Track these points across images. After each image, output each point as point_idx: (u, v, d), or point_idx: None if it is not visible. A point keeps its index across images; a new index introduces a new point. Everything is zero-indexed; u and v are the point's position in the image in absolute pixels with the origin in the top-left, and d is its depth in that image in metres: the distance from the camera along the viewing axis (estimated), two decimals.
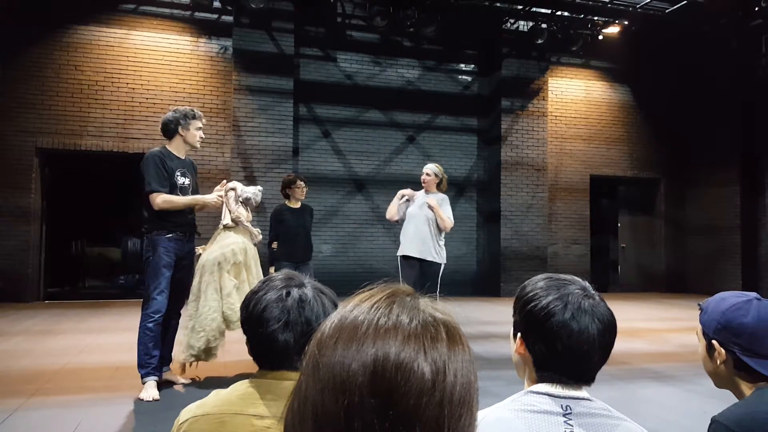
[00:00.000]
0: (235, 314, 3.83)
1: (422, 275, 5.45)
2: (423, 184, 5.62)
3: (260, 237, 4.33)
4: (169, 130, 4.00)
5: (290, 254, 5.57)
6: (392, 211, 5.52)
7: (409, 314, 0.54)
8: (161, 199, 3.80)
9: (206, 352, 3.98)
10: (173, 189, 3.89)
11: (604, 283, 12.39)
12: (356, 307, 0.56)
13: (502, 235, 10.76)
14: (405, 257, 5.49)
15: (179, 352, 4.04)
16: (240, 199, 4.25)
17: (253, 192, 4.34)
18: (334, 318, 0.56)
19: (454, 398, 0.52)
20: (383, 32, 10.55)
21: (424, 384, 0.50)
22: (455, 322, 0.57)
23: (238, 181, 9.52)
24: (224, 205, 4.20)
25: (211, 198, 4.06)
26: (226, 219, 4.19)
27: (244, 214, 4.25)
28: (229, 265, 3.98)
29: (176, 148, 4.02)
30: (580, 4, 10.62)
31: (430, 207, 5.35)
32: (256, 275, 4.17)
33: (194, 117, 4.03)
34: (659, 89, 12.13)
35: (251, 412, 1.15)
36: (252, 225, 4.37)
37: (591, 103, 11.93)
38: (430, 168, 5.63)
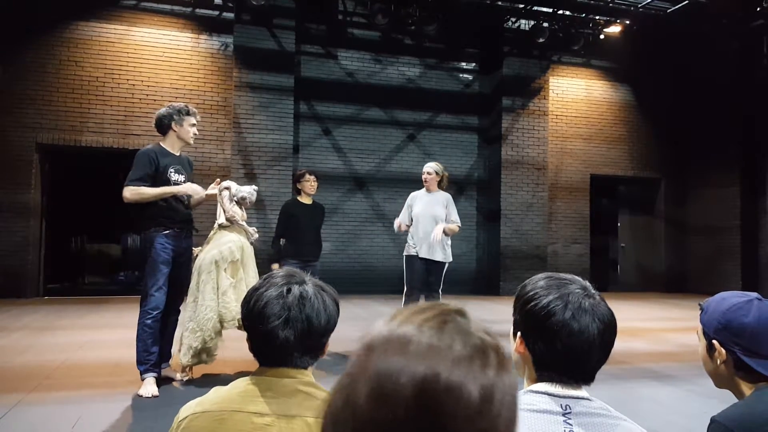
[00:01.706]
0: (230, 313, 3.82)
1: (428, 273, 5.51)
2: (424, 183, 5.64)
3: (256, 236, 4.30)
4: (163, 125, 4.00)
5: (298, 252, 5.33)
6: (397, 225, 5.58)
7: (460, 336, 0.54)
8: (129, 191, 3.79)
9: (205, 353, 3.95)
10: (166, 185, 3.88)
11: (604, 283, 12.40)
12: (405, 323, 0.55)
13: (502, 234, 10.76)
14: (412, 256, 5.52)
15: (180, 354, 3.99)
16: (235, 198, 4.22)
17: (248, 191, 4.30)
18: (381, 330, 0.56)
19: (499, 424, 0.52)
20: (384, 30, 10.54)
21: (471, 408, 0.50)
22: (502, 346, 0.57)
23: (239, 178, 9.55)
24: (219, 205, 4.18)
25: (182, 188, 3.91)
26: (221, 218, 4.16)
27: (239, 213, 4.22)
28: (226, 263, 3.95)
29: (170, 144, 4.02)
30: (582, 3, 10.61)
31: (444, 231, 5.42)
32: (253, 274, 4.14)
33: (188, 113, 4.01)
34: (660, 89, 12.12)
35: (251, 409, 1.16)
36: (248, 224, 4.36)
37: (592, 103, 11.93)
38: (431, 167, 5.65)
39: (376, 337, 0.55)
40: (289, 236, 5.43)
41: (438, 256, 5.46)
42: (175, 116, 3.98)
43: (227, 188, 4.22)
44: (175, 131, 3.99)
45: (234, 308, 3.82)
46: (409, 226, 5.63)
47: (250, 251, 4.20)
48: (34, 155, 8.96)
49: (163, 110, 4.02)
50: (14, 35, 8.89)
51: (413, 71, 10.97)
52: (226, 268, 3.94)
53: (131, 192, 3.80)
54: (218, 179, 4.36)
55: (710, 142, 11.67)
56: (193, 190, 3.98)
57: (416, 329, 0.54)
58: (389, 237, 10.44)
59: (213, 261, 3.91)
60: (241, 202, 4.26)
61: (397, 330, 0.54)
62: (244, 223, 4.23)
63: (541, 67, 11.22)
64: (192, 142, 4.10)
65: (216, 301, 3.87)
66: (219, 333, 3.94)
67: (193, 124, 4.05)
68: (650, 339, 6.31)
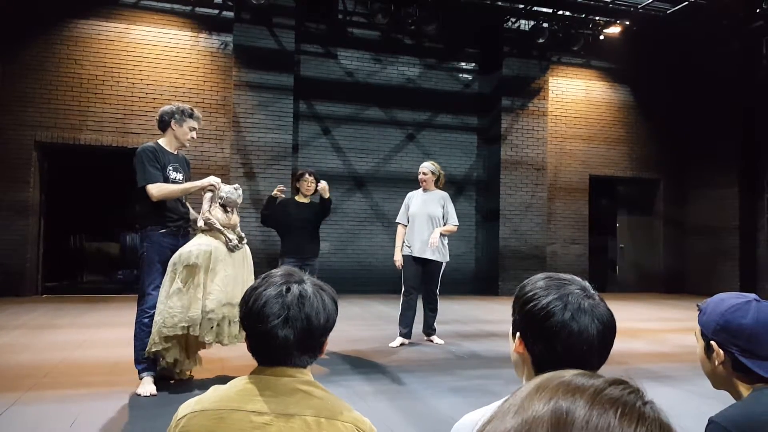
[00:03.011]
0: (172, 319, 3.57)
1: (424, 273, 5.56)
2: (422, 184, 5.66)
3: (237, 243, 3.93)
4: (164, 122, 3.99)
5: (295, 249, 5.33)
6: (398, 263, 5.68)
7: (658, 428, 0.55)
8: (156, 189, 3.76)
9: (161, 353, 3.70)
10: (165, 183, 3.87)
11: (603, 283, 12.39)
12: (597, 406, 0.54)
13: (501, 234, 10.76)
14: (408, 256, 5.56)
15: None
16: (220, 200, 3.98)
17: (227, 190, 4.00)
18: (571, 407, 0.54)
19: None
20: (384, 29, 10.54)
21: None
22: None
23: (238, 177, 9.51)
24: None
25: (202, 181, 3.95)
26: (200, 221, 3.93)
27: (220, 217, 3.94)
28: (181, 266, 3.68)
29: (168, 142, 4.01)
30: (582, 3, 10.61)
31: (442, 233, 5.48)
32: (221, 281, 3.76)
33: (191, 116, 3.99)
34: (660, 90, 12.13)
35: (250, 408, 1.16)
36: (245, 224, 4.14)
37: (591, 103, 11.93)
38: (426, 166, 5.66)
39: (571, 418, 0.53)
40: (286, 235, 5.46)
41: (433, 256, 5.48)
42: (176, 115, 3.97)
43: (211, 190, 3.95)
44: (173, 130, 3.99)
45: (178, 314, 3.58)
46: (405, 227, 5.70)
47: (225, 257, 3.84)
48: (33, 153, 8.95)
49: (167, 107, 4.02)
50: (13, 33, 8.87)
51: (413, 71, 10.97)
52: (180, 271, 3.67)
53: (158, 189, 3.75)
54: (212, 178, 4.02)
55: (709, 142, 11.68)
56: (214, 181, 3.99)
57: (617, 421, 0.53)
58: (388, 237, 10.43)
59: (172, 263, 3.72)
60: (225, 204, 4.00)
61: (593, 415, 0.53)
62: (222, 228, 3.90)
63: (540, 68, 11.22)
64: (188, 144, 4.08)
65: (164, 303, 3.64)
66: (165, 340, 3.62)
67: (193, 128, 4.02)
68: (649, 339, 6.31)
